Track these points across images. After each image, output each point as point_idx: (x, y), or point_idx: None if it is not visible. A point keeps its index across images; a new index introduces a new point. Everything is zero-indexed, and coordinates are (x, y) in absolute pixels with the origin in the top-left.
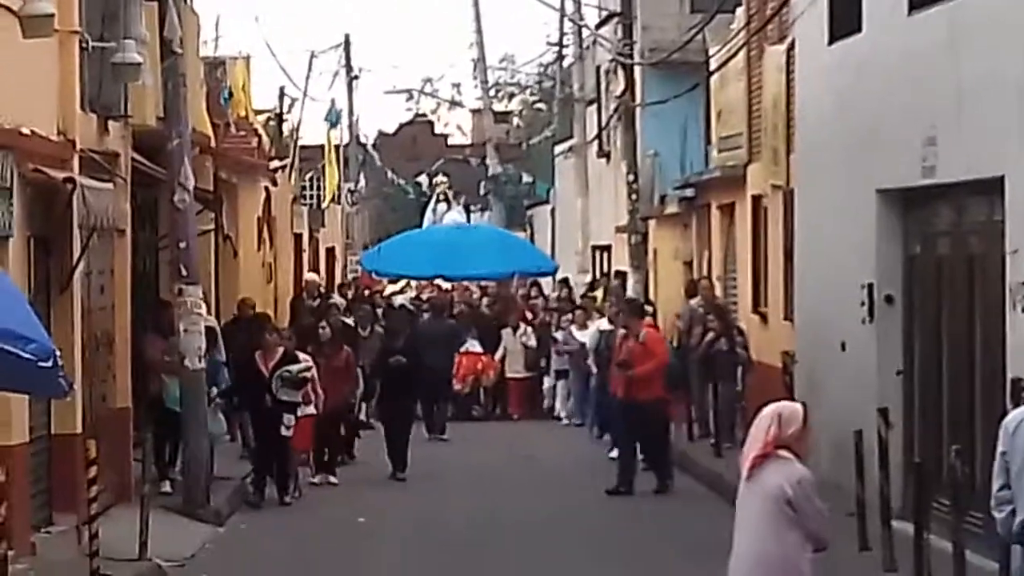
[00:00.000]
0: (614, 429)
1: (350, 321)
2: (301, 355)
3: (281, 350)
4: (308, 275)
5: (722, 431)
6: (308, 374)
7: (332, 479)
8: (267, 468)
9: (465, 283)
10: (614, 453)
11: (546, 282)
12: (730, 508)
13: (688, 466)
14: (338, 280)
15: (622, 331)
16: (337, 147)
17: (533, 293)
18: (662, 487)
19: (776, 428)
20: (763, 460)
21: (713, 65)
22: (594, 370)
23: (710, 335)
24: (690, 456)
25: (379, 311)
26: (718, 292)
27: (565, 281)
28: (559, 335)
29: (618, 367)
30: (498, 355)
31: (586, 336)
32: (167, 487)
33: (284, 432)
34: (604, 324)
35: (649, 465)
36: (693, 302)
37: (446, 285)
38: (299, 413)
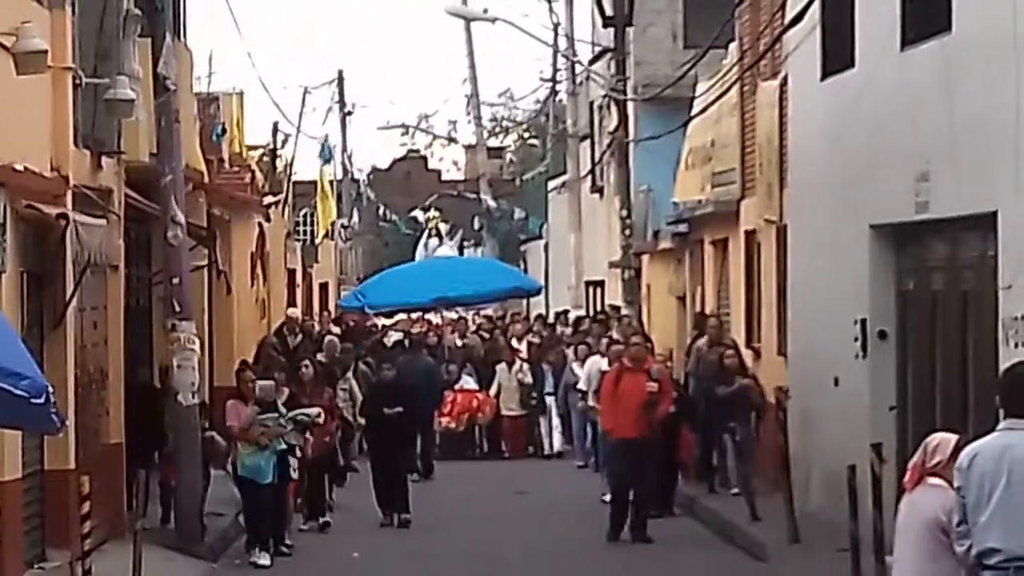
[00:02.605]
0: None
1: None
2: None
3: (287, 391)
4: (290, 311)
5: (732, 473)
6: (321, 419)
7: (324, 519)
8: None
9: (456, 317)
10: (607, 496)
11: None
12: (733, 550)
13: (690, 507)
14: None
15: (612, 365)
16: (331, 182)
17: (527, 326)
18: (668, 512)
19: (921, 456)
20: (914, 488)
21: (701, 102)
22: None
23: (737, 378)
24: (690, 497)
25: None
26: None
27: (565, 313)
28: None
29: (647, 407)
30: (492, 391)
31: (582, 373)
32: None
33: (293, 475)
34: (604, 364)
35: (657, 501)
36: (701, 342)
37: (436, 320)
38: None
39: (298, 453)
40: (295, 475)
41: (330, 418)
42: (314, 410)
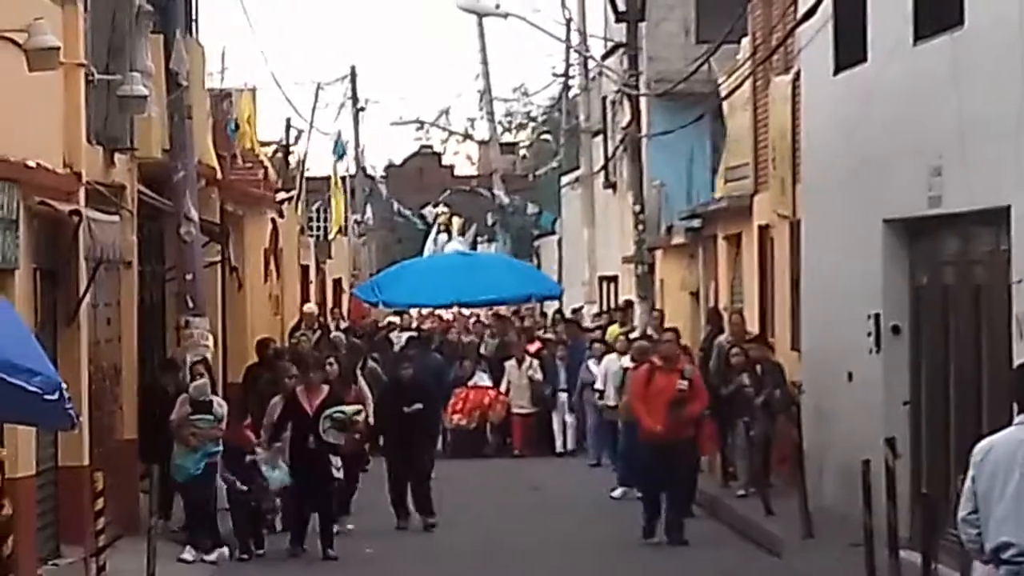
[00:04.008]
0: (638, 471)
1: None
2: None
3: (326, 388)
4: (307, 307)
5: (741, 472)
6: (360, 417)
7: (348, 525)
8: (305, 516)
9: (467, 313)
10: (616, 493)
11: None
12: (748, 545)
13: (706, 505)
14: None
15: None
16: (343, 178)
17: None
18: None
19: None
20: None
21: (723, 94)
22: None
23: (743, 375)
24: (710, 496)
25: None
26: (724, 323)
27: (577, 311)
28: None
29: (674, 406)
30: (502, 388)
31: (599, 371)
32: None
33: (336, 474)
34: (626, 361)
35: (678, 505)
36: (722, 337)
37: (447, 315)
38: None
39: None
40: (339, 474)
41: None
42: (351, 408)
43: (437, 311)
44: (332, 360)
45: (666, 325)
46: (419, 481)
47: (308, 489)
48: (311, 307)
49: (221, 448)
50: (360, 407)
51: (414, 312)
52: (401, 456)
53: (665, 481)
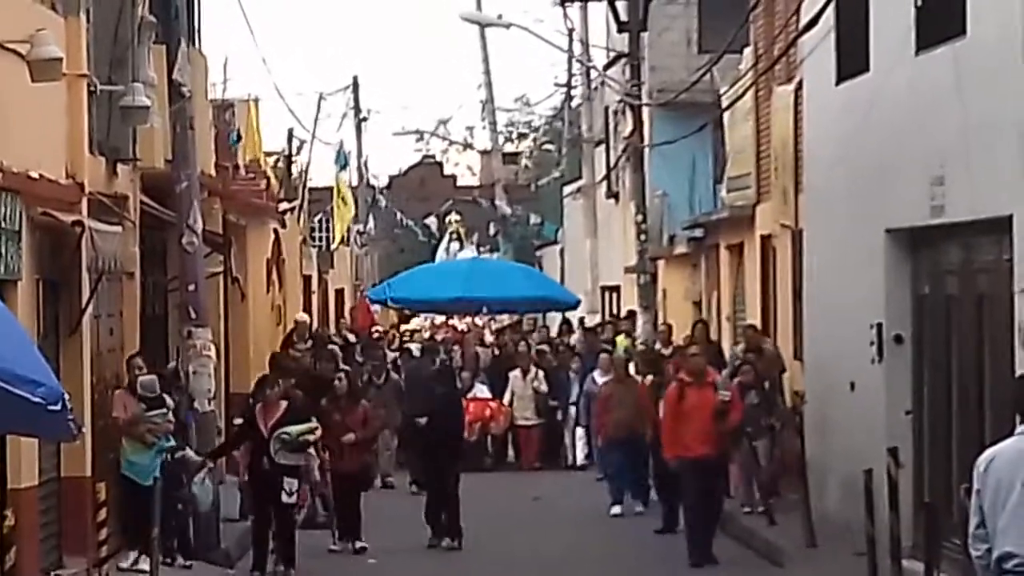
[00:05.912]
0: (671, 490)
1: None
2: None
3: (284, 405)
4: (299, 315)
5: (749, 489)
6: (311, 437)
7: (360, 543)
8: (264, 540)
9: (480, 324)
10: (616, 510)
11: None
12: (750, 555)
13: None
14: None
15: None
16: (350, 187)
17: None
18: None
19: None
20: None
21: (724, 104)
22: None
23: (751, 392)
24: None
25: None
26: (726, 333)
27: (581, 321)
28: None
29: (718, 417)
30: (504, 399)
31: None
32: (140, 562)
33: (285, 499)
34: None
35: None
36: (738, 348)
37: (461, 326)
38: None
39: (302, 472)
40: (292, 498)
41: (363, 433)
42: (297, 428)
43: (450, 322)
44: (341, 376)
45: (672, 336)
46: (449, 500)
47: (263, 512)
48: (303, 316)
49: (172, 442)
50: (313, 425)
51: (426, 322)
52: (433, 472)
53: (711, 499)
